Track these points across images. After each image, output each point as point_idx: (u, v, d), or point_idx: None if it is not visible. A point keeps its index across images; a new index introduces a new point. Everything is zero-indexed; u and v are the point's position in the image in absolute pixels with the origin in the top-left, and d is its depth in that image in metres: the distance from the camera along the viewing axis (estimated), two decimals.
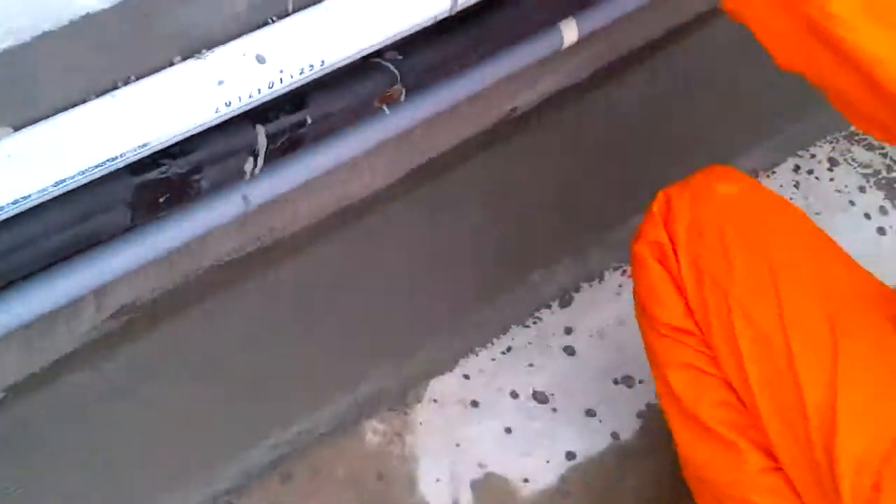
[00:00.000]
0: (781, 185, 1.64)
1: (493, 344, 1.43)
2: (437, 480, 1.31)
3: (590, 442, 1.35)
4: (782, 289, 0.94)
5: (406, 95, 0.91)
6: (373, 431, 1.34)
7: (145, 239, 0.82)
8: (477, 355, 1.42)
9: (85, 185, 0.70)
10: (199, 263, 0.96)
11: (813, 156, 1.69)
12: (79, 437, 1.04)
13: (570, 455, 1.34)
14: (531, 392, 1.39)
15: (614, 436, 1.36)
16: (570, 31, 1.05)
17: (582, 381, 1.40)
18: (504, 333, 1.44)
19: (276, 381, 1.22)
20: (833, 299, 0.94)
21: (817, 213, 1.58)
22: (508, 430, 1.36)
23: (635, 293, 1.08)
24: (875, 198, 1.64)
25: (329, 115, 0.86)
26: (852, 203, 1.64)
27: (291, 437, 1.28)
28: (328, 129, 0.88)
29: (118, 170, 0.72)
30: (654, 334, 1.05)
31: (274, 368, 1.20)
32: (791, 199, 1.56)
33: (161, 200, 0.77)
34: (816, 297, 0.94)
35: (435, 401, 1.37)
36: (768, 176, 1.65)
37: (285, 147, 0.84)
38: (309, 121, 0.84)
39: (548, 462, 1.33)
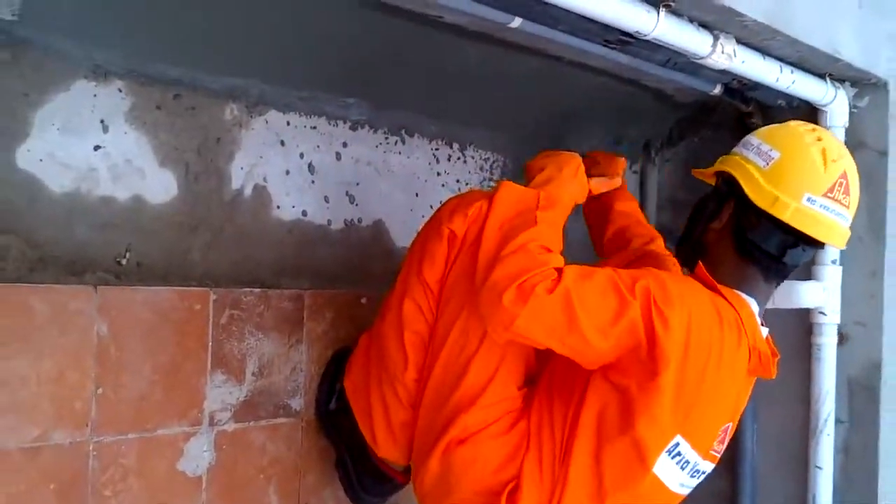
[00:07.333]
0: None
1: (310, 117, 1.99)
2: (241, 168, 1.85)
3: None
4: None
5: None
6: (231, 110, 1.83)
7: None
8: (299, 115, 1.97)
9: None
10: None
11: None
12: None
13: (306, 211, 1.97)
14: (311, 160, 1.99)
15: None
16: None
17: (329, 185, 2.04)
18: (320, 116, 2.01)
19: None
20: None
21: None
22: (288, 172, 1.94)
23: (420, 242, 1.66)
24: None
25: None
26: None
27: None
28: None
29: None
30: (415, 274, 1.62)
31: None
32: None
33: None
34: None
35: (267, 122, 1.90)
36: None
37: None
38: None
39: (302, 209, 1.95)
